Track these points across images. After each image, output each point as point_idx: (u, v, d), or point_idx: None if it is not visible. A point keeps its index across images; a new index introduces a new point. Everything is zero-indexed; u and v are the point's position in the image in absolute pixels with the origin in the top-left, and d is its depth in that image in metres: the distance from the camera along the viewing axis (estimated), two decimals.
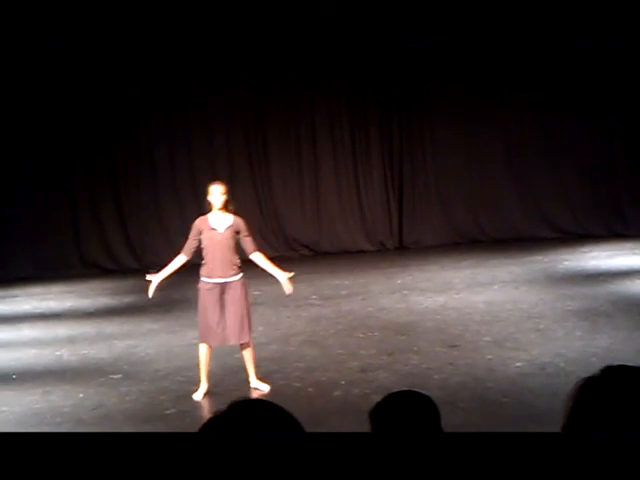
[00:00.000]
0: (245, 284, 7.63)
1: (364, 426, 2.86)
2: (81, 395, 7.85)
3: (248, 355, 7.73)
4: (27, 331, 10.89)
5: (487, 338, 8.95)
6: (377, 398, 2.92)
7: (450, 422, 3.12)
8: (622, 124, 15.91)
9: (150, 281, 7.71)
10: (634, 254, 13.78)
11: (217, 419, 1.61)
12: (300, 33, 14.44)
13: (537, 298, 10.81)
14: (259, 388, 7.66)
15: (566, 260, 13.65)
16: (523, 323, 9.50)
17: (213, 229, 7.53)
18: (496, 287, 11.71)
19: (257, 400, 1.65)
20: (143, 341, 9.88)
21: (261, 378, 7.77)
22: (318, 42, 15.30)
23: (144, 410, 7.34)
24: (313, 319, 10.40)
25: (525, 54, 15.93)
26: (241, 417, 1.60)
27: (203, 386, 7.66)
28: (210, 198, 7.55)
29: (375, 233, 16.70)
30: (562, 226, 16.31)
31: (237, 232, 7.59)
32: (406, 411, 2.78)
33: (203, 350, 7.66)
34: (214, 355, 7.85)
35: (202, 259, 7.62)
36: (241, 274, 7.59)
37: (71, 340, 10.15)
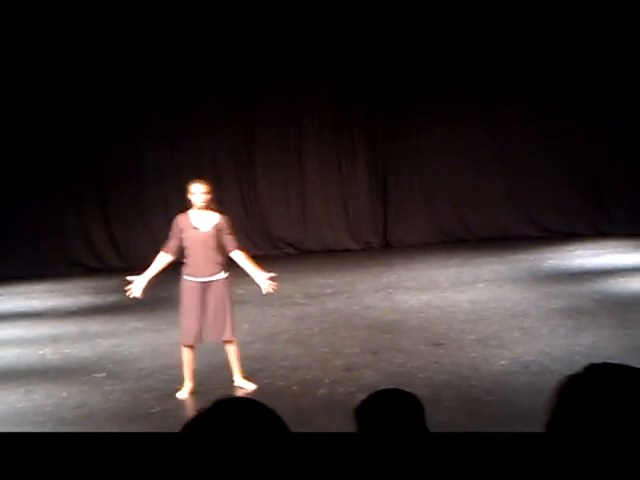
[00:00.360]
0: (229, 283, 7.60)
1: (349, 424, 2.85)
2: (64, 394, 7.81)
3: (232, 353, 7.71)
4: (10, 330, 10.83)
5: (471, 336, 8.96)
6: (362, 396, 2.91)
7: (435, 420, 3.11)
8: (606, 124, 15.96)
9: (132, 281, 7.68)
10: (618, 253, 13.84)
11: (201, 417, 1.60)
12: (286, 35, 14.41)
13: (521, 297, 10.84)
14: (244, 387, 7.64)
15: (551, 259, 13.70)
16: (507, 321, 9.52)
17: (195, 228, 7.50)
18: (481, 286, 11.73)
19: (241, 398, 1.64)
20: (127, 340, 9.84)
21: (246, 377, 7.75)
22: (304, 44, 15.28)
23: (128, 409, 7.31)
24: (298, 318, 10.39)
25: (510, 55, 15.95)
26: (225, 415, 1.59)
27: (187, 385, 7.64)
28: (191, 197, 7.51)
29: (360, 232, 16.71)
30: (547, 225, 16.36)
31: (220, 230, 7.56)
32: (391, 409, 2.78)
33: (186, 351, 7.64)
34: (199, 353, 7.82)
35: (184, 257, 7.59)
36: (225, 273, 7.56)
37: (54, 339, 10.10)
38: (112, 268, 15.39)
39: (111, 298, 12.67)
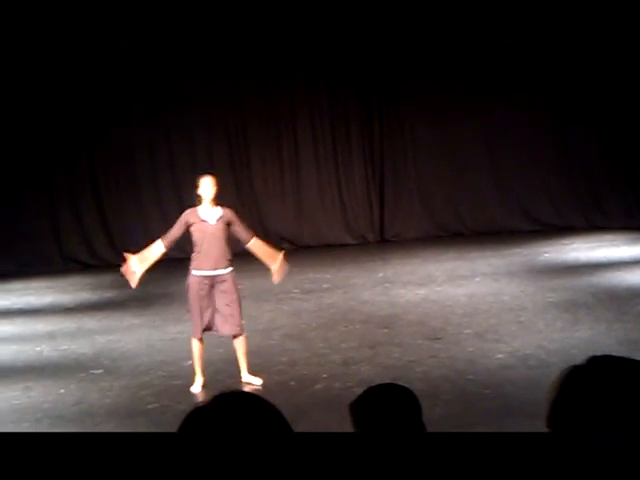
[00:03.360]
0: (235, 277, 7.61)
1: (346, 419, 2.86)
2: (62, 391, 7.82)
3: (240, 347, 7.70)
4: (7, 327, 10.83)
5: (468, 330, 8.97)
6: (359, 391, 2.92)
7: (431, 414, 3.13)
8: (600, 117, 15.98)
9: (125, 260, 7.69)
10: (614, 246, 13.85)
11: (200, 411, 1.61)
12: (280, 34, 14.40)
13: (518, 290, 10.85)
14: (251, 382, 7.64)
15: (546, 252, 13.71)
16: (504, 315, 9.54)
17: (204, 221, 7.50)
18: (477, 280, 11.74)
19: (241, 392, 1.64)
20: (124, 336, 9.84)
21: (253, 372, 7.75)
22: (299, 39, 15.28)
23: (125, 405, 7.32)
24: (295, 313, 10.40)
25: (504, 50, 15.93)
26: (224, 409, 1.59)
27: (199, 379, 7.63)
28: (200, 191, 7.53)
29: (356, 226, 16.71)
30: (542, 218, 16.37)
31: (228, 224, 7.57)
32: (387, 404, 2.78)
33: (196, 344, 7.63)
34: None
35: (193, 251, 7.58)
36: (232, 267, 7.58)
37: (51, 335, 10.10)
38: (109, 264, 15.37)
39: (108, 294, 12.67)
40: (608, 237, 14.74)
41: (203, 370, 7.66)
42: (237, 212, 7.86)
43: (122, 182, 15.87)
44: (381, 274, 12.73)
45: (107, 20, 13.17)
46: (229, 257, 7.56)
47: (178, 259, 15.59)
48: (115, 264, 15.32)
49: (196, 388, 7.58)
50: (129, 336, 9.84)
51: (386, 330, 9.28)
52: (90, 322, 10.78)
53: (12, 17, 12.51)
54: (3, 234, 15.08)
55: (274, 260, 7.74)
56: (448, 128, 16.45)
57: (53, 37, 13.59)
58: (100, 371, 8.40)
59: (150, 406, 7.23)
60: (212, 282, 7.49)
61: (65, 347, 9.49)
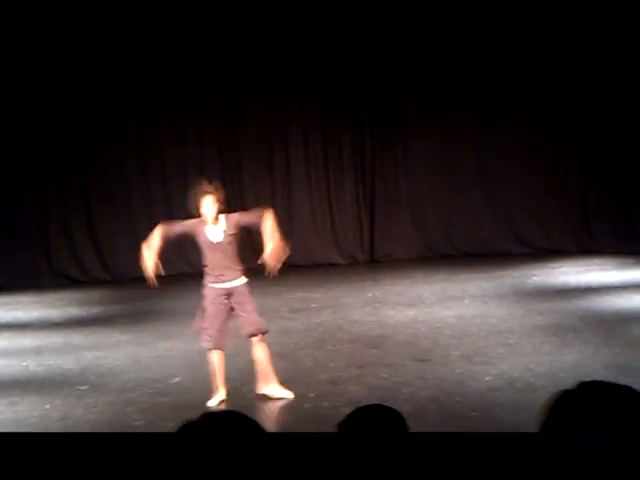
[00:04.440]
0: (248, 286, 7.62)
1: None
2: (47, 406, 7.77)
3: (264, 354, 7.66)
4: None
5: (456, 352, 8.97)
6: (347, 411, 2.91)
7: None
8: (592, 140, 16.04)
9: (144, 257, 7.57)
10: (603, 270, 13.88)
11: (188, 428, 1.61)
12: (273, 43, 14.44)
13: (506, 313, 10.86)
14: (282, 395, 7.61)
15: (535, 275, 13.73)
16: (492, 338, 9.53)
17: (211, 241, 7.52)
18: (466, 301, 11.75)
19: (229, 412, 1.65)
20: (111, 352, 9.80)
21: (282, 383, 7.71)
22: (293, 56, 15.34)
23: (110, 422, 7.27)
24: (283, 331, 10.37)
25: (498, 70, 16.03)
26: (212, 428, 1.59)
27: (221, 393, 7.58)
28: (202, 211, 7.52)
29: (346, 246, 16.71)
30: (532, 241, 16.41)
31: (235, 231, 7.57)
32: (374, 425, 2.78)
33: (216, 356, 7.59)
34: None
35: (204, 265, 7.59)
36: (244, 277, 7.61)
37: (38, 350, 10.05)
38: (97, 280, 15.35)
39: (95, 310, 12.63)
40: (597, 261, 14.77)
41: (225, 383, 7.60)
42: (238, 211, 7.88)
43: (113, 198, 15.84)
44: (370, 294, 12.72)
45: (100, 28, 13.15)
46: (240, 267, 7.60)
47: (167, 275, 15.61)
48: (104, 280, 15.42)
49: (213, 402, 7.50)
50: (116, 352, 9.79)
51: (375, 350, 9.27)
52: (77, 338, 10.73)
53: (7, 20, 12.50)
54: None
55: (273, 241, 7.65)
56: (440, 149, 16.51)
57: (46, 46, 13.58)
58: (86, 387, 8.35)
59: (136, 423, 7.19)
60: (228, 293, 7.52)
61: (51, 362, 9.45)
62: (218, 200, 7.58)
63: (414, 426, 2.90)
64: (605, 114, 15.86)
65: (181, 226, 7.70)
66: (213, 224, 7.55)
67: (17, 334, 11.14)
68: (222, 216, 7.62)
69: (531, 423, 1.79)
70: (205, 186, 7.70)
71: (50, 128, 15.33)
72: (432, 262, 15.77)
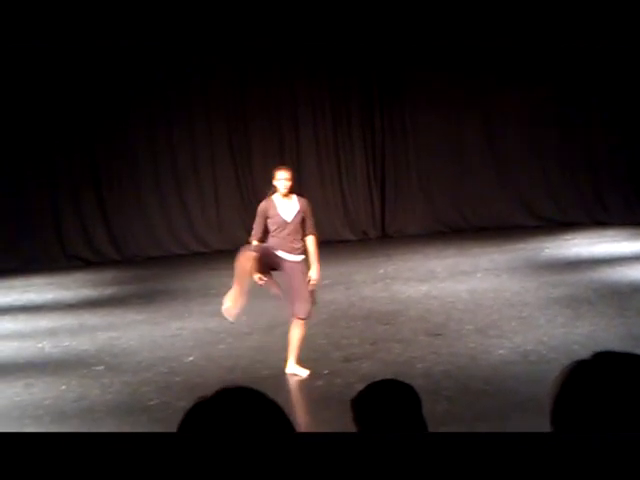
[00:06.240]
0: (304, 266, 7.63)
1: (346, 415, 2.85)
2: (63, 387, 7.82)
3: (295, 335, 7.69)
4: (8, 323, 10.84)
5: (470, 326, 8.96)
6: (360, 387, 2.92)
7: (433, 410, 3.12)
8: (603, 112, 15.95)
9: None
10: (615, 242, 13.83)
11: (202, 405, 1.61)
12: (280, 31, 14.39)
13: (519, 286, 10.84)
14: (297, 373, 7.66)
15: (548, 248, 13.70)
16: (505, 311, 9.52)
17: (281, 216, 7.59)
18: (479, 275, 11.73)
19: (243, 388, 1.64)
20: (125, 332, 9.84)
21: (300, 362, 7.74)
22: (301, 36, 15.28)
23: (127, 402, 7.32)
24: None
25: (506, 46, 15.91)
26: (226, 405, 1.59)
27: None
28: (276, 183, 7.62)
29: (358, 222, 16.71)
30: (544, 214, 16.36)
31: (303, 216, 7.63)
32: (388, 400, 2.78)
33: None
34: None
35: (269, 237, 7.63)
36: (303, 256, 7.65)
37: (53, 332, 10.10)
38: (110, 261, 15.41)
39: (109, 291, 12.68)
40: (609, 233, 14.72)
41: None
42: (312, 206, 7.90)
43: (124, 179, 15.88)
44: (382, 270, 12.72)
45: (108, 19, 13.19)
46: (302, 247, 7.62)
47: (179, 255, 15.67)
48: (116, 260, 15.48)
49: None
50: (130, 332, 9.83)
51: (387, 326, 9.28)
52: (91, 319, 10.78)
53: (12, 17, 12.52)
54: (5, 231, 15.09)
55: (312, 269, 7.66)
56: (450, 124, 16.44)
57: (53, 37, 13.61)
58: (101, 367, 8.40)
59: (151, 403, 7.23)
60: (283, 262, 7.55)
61: (66, 344, 9.50)
62: (292, 178, 7.64)
63: (429, 401, 2.90)
64: (618, 86, 15.75)
65: (258, 222, 7.68)
66: (284, 199, 7.60)
67: (32, 316, 11.20)
68: (294, 195, 7.65)
69: (545, 396, 1.78)
70: (279, 164, 7.90)
71: (60, 112, 15.35)
72: (444, 237, 15.75)
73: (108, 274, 14.06)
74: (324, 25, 14.70)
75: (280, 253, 7.56)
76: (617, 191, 15.93)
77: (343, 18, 14.25)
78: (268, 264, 7.52)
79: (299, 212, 7.64)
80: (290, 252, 7.58)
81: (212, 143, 16.20)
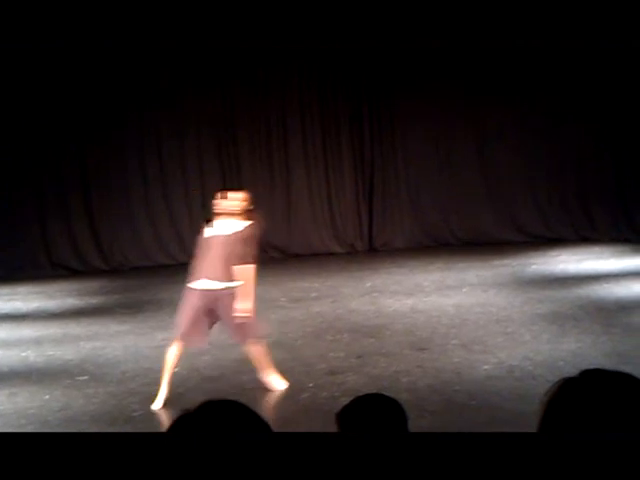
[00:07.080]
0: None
1: (331, 429, 2.85)
2: (47, 397, 7.77)
3: (256, 355, 7.69)
4: None
5: (455, 341, 8.97)
6: (345, 401, 2.91)
7: (417, 425, 3.12)
8: (591, 129, 16.04)
9: None
10: (602, 258, 13.89)
11: (185, 418, 1.60)
12: (269, 38, 14.42)
13: (505, 301, 10.86)
14: (278, 385, 7.63)
15: (535, 264, 13.74)
16: (491, 326, 9.54)
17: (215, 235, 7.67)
18: (465, 290, 11.75)
19: (227, 401, 1.64)
20: (110, 342, 9.80)
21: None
22: (288, 45, 15.30)
23: (110, 412, 7.28)
24: (282, 321, 10.37)
25: (495, 59, 16.02)
26: (210, 417, 1.59)
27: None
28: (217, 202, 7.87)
29: (345, 235, 16.73)
30: (531, 230, 16.42)
31: (240, 238, 7.70)
32: (373, 414, 2.78)
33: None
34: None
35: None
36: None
37: (37, 341, 10.04)
38: (96, 270, 15.34)
39: (94, 300, 12.63)
40: (596, 249, 14.78)
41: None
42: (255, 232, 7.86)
43: (111, 188, 15.82)
44: (369, 283, 12.73)
45: (97, 25, 13.17)
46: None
47: (166, 265, 15.63)
48: (103, 270, 15.42)
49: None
50: (115, 343, 9.79)
51: (373, 340, 9.27)
52: (76, 328, 10.73)
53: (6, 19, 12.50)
54: None
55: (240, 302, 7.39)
56: (439, 138, 16.51)
57: (40, 42, 13.59)
58: (85, 377, 8.36)
59: (135, 413, 7.19)
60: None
61: (51, 353, 9.44)
62: (243, 200, 7.95)
63: (413, 415, 2.90)
64: (605, 103, 15.85)
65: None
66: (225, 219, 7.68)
67: (16, 325, 11.13)
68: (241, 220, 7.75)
69: (530, 411, 1.79)
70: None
71: (48, 118, 15.30)
72: (431, 251, 15.78)
73: (94, 283, 14.01)
74: (314, 36, 14.72)
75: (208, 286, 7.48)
76: (604, 208, 16.02)
77: (332, 28, 14.27)
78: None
79: (236, 231, 7.66)
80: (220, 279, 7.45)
81: (201, 154, 16.19)
